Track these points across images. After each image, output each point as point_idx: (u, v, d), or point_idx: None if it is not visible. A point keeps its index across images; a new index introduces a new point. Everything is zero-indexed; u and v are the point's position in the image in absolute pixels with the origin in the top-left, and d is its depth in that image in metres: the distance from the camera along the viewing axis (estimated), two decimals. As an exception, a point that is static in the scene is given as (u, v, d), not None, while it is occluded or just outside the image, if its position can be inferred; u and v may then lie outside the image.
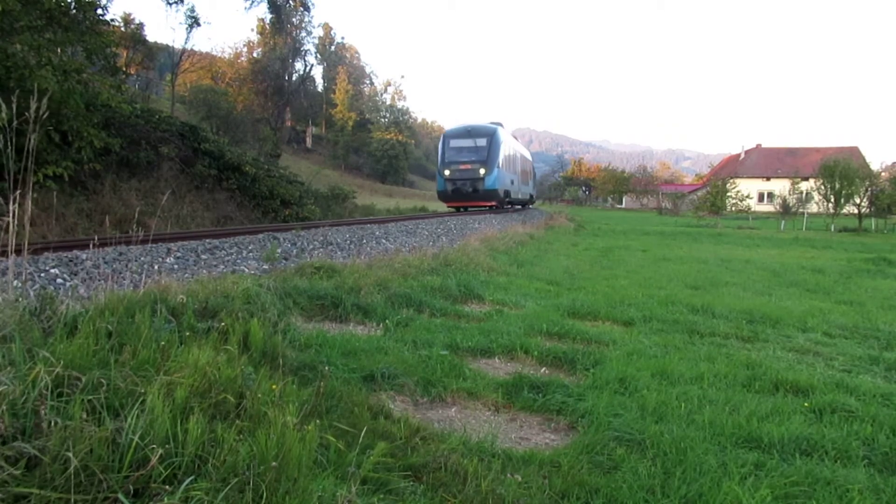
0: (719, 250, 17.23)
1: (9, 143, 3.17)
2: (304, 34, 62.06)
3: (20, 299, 3.21)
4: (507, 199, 28.25)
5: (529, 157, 39.98)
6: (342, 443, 2.83)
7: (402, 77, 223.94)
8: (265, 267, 7.65)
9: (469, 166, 24.90)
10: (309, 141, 71.49)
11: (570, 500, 2.73)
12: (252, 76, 53.29)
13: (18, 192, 3.20)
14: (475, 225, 17.81)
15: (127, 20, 34.93)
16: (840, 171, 32.41)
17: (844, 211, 33.29)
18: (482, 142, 25.47)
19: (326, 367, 3.97)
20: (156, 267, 6.53)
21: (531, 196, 40.66)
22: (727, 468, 2.98)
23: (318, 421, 2.74)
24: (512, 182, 28.89)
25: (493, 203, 26.15)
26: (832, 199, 33.07)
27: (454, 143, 26.01)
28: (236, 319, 4.22)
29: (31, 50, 12.08)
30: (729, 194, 35.88)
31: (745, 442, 3.40)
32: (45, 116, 3.15)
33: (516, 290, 8.18)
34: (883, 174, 37.46)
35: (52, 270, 5.66)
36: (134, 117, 17.11)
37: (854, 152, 54.41)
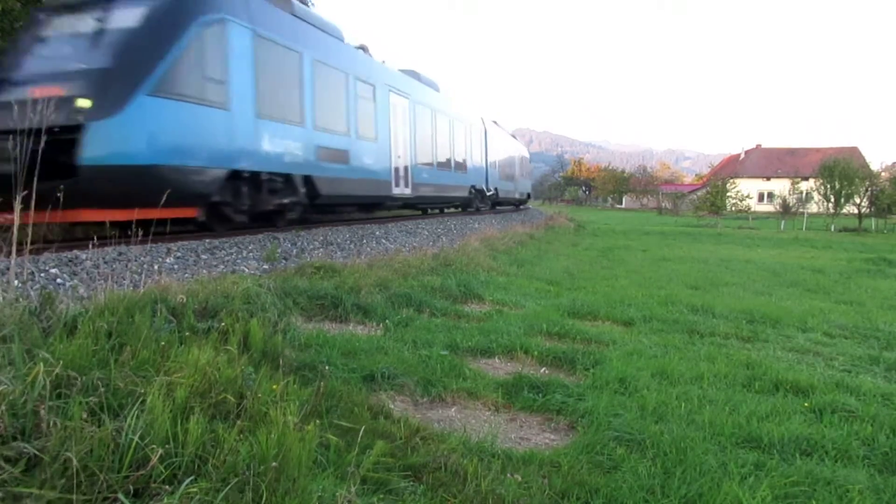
0: (719, 250, 17.23)
1: (18, 144, 3.19)
2: (304, 34, 61.73)
3: (20, 299, 3.21)
4: (302, 202, 10.79)
5: (479, 124, 22.36)
6: (342, 443, 2.83)
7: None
8: (265, 267, 7.65)
9: (56, 91, 6.84)
10: (309, 141, 71.33)
11: (570, 499, 2.73)
12: (252, 76, 53.18)
13: (25, 192, 3.21)
14: (475, 225, 17.81)
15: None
16: (840, 171, 32.47)
17: (844, 211, 33.33)
18: (125, 20, 7.66)
19: (326, 367, 3.98)
20: (156, 267, 6.52)
21: (477, 192, 21.54)
22: (727, 468, 2.98)
23: (318, 421, 2.74)
24: (317, 154, 10.90)
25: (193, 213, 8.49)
26: (832, 199, 33.11)
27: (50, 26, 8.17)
28: (236, 319, 4.21)
29: (30, 50, 12.04)
30: (729, 194, 35.90)
31: (745, 442, 3.39)
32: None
33: (516, 290, 8.18)
34: (883, 174, 37.51)
35: (52, 270, 5.66)
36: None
37: (854, 152, 54.45)
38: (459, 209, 22.29)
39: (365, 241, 10.98)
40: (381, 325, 5.76)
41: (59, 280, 5.51)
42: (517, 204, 32.25)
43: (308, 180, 10.73)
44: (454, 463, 2.84)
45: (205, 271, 6.74)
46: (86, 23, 7.85)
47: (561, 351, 5.07)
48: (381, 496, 2.53)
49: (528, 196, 35.95)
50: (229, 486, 2.09)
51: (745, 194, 37.43)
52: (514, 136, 32.72)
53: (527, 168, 34.84)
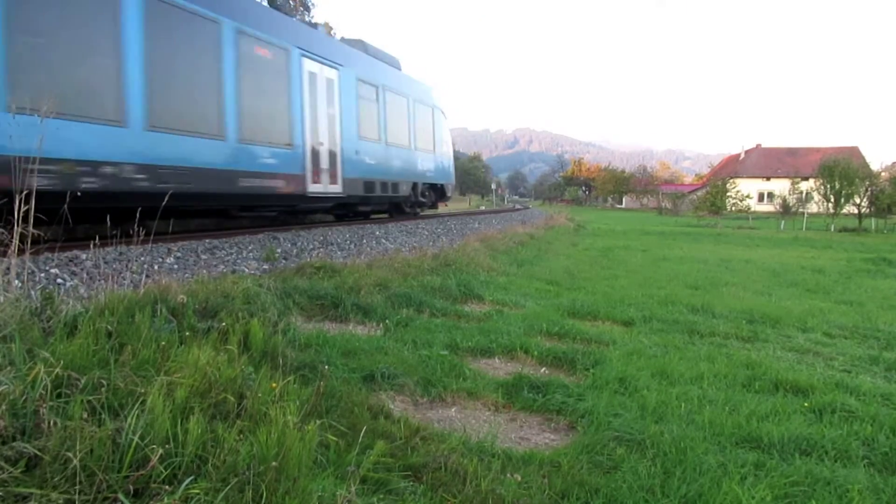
0: (719, 250, 17.23)
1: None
2: (303, 34, 61.76)
3: (21, 299, 3.21)
4: None
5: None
6: (342, 443, 2.83)
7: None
8: (265, 267, 7.65)
9: None
10: (309, 141, 71.36)
11: (570, 499, 2.73)
12: (252, 76, 53.12)
13: (25, 192, 3.22)
14: (475, 225, 17.81)
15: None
16: (840, 171, 32.47)
17: (844, 211, 33.33)
18: None
19: (326, 367, 3.98)
20: (156, 267, 6.53)
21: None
22: (727, 468, 2.98)
23: (318, 421, 2.74)
24: None
25: None
26: (832, 199, 33.10)
27: None
28: (236, 319, 4.22)
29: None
30: (729, 194, 35.94)
31: (744, 442, 3.40)
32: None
33: (516, 290, 8.18)
34: (883, 174, 37.51)
35: (53, 270, 5.67)
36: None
37: (854, 152, 54.44)
38: None
39: (365, 240, 10.98)
40: (381, 325, 5.76)
41: (59, 280, 5.51)
42: (382, 207, 15.89)
43: None
44: (454, 463, 2.84)
45: (205, 271, 6.74)
46: None
47: (561, 351, 5.07)
48: (381, 496, 2.53)
49: (440, 190, 18.06)
50: (229, 486, 2.09)
51: (745, 194, 37.46)
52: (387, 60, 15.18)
53: (414, 126, 15.91)
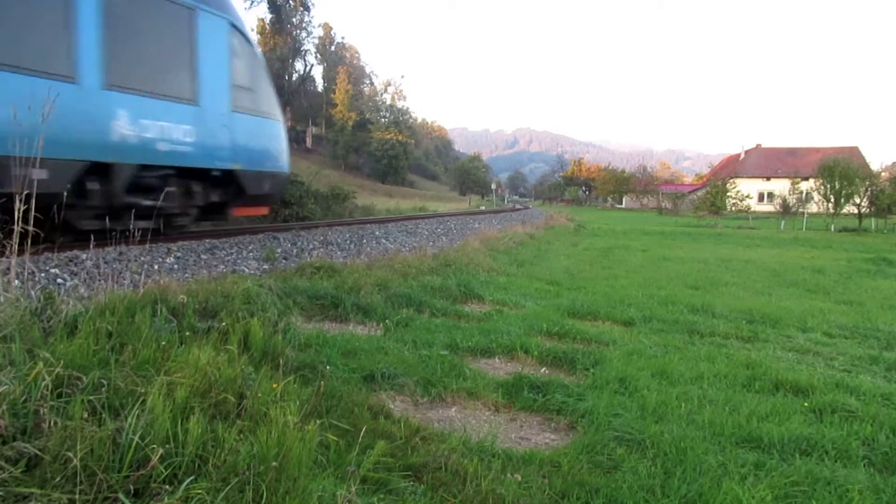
0: (719, 250, 17.23)
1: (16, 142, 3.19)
2: (304, 34, 62.40)
3: (21, 299, 3.21)
4: None
5: None
6: (342, 442, 2.83)
7: (402, 77, 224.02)
8: (265, 267, 7.65)
9: None
10: (309, 141, 71.72)
11: (570, 499, 2.73)
12: (252, 76, 53.06)
13: (26, 192, 3.22)
14: (475, 225, 17.82)
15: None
16: (840, 171, 32.45)
17: (844, 211, 33.31)
18: None
19: (326, 367, 3.98)
20: (156, 267, 6.53)
21: None
22: (727, 468, 2.98)
23: (318, 421, 2.74)
24: None
25: None
26: (832, 199, 33.08)
27: None
28: (236, 319, 4.22)
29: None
30: (729, 194, 35.90)
31: (745, 442, 3.40)
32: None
33: (516, 290, 8.18)
34: (883, 174, 37.50)
35: (53, 270, 5.67)
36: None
37: (854, 152, 54.42)
38: None
39: (365, 241, 10.99)
40: (381, 325, 5.77)
41: (59, 280, 5.52)
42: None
43: None
44: (454, 463, 2.84)
45: (205, 271, 6.75)
46: None
47: (561, 351, 5.07)
48: (382, 496, 2.53)
49: (229, 183, 8.95)
50: (229, 486, 2.09)
51: (745, 194, 37.42)
52: None
53: (106, 35, 6.83)
